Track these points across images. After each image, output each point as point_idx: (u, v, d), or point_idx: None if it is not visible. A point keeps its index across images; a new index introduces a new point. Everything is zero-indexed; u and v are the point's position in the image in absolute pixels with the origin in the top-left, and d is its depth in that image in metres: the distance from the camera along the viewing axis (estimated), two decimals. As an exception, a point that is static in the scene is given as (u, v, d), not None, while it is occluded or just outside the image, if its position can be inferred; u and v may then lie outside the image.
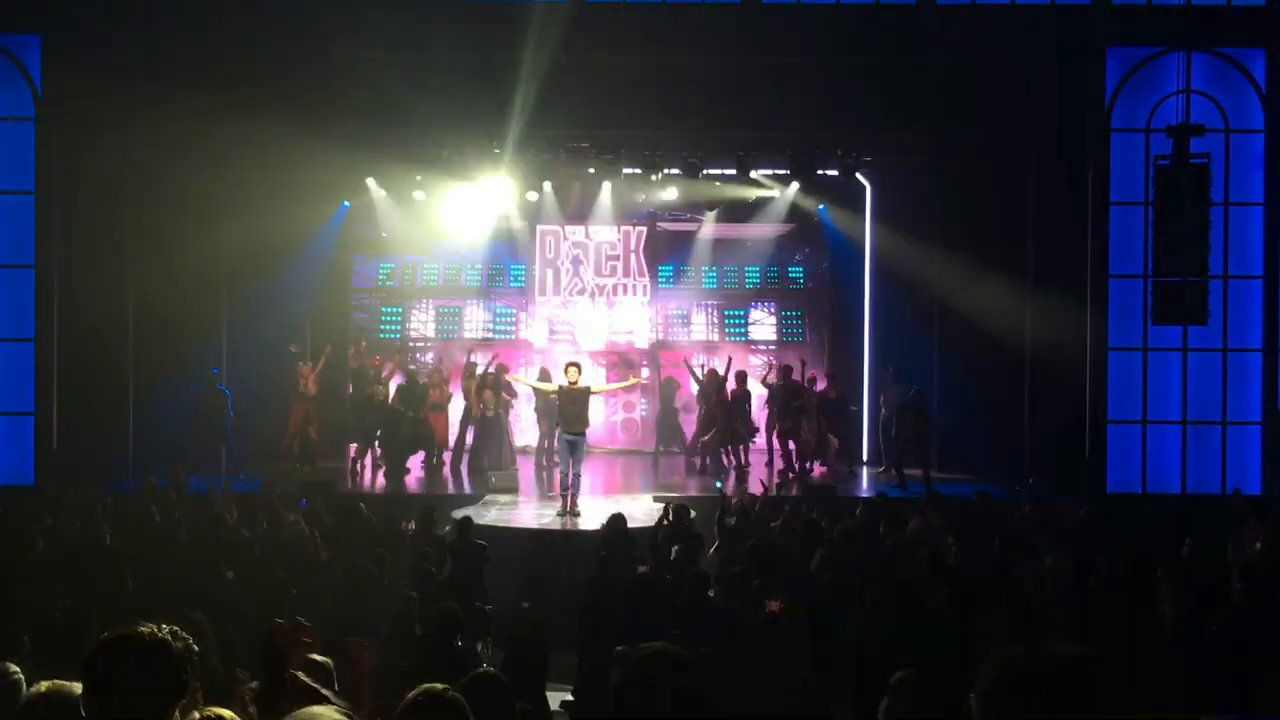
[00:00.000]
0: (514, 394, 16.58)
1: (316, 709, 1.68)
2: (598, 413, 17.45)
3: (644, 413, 18.84)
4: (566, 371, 12.98)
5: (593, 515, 12.16)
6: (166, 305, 15.42)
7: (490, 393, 16.00)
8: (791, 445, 15.86)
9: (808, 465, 16.02)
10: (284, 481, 13.14)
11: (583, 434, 12.77)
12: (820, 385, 16.32)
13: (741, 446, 16.07)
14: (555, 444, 14.30)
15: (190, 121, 13.81)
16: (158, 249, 15.04)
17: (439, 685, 2.97)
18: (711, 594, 8.17)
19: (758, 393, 16.46)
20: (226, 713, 2.66)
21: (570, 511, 12.50)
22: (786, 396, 15.78)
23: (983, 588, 7.60)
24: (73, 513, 11.11)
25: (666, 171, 16.37)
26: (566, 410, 12.72)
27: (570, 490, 12.59)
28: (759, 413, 16.59)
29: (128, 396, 15.20)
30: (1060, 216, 14.93)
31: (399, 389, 16.23)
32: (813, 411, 16.00)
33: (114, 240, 14.93)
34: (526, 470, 15.92)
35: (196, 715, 2.48)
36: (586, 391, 12.84)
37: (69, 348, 14.78)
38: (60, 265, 14.71)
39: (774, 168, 16.85)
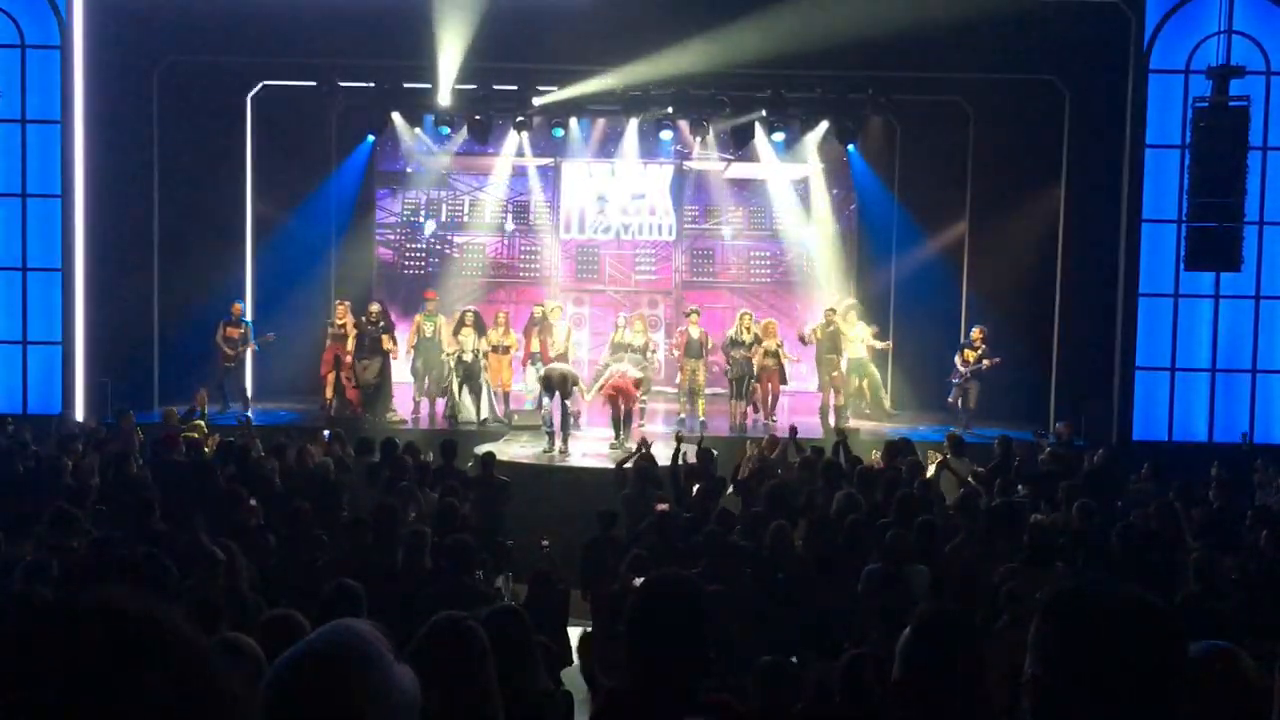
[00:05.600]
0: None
1: (351, 620, 1.67)
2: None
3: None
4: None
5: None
6: (192, 237, 15.51)
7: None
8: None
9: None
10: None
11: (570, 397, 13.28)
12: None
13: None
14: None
15: (216, 46, 13.77)
16: (184, 179, 15.09)
17: (457, 613, 2.98)
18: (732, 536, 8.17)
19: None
20: None
21: (560, 450, 13.08)
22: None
23: (1005, 531, 7.57)
24: (101, 441, 11.23)
25: (694, 109, 16.18)
26: (553, 378, 13.24)
27: (563, 430, 13.13)
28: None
29: (153, 327, 15.32)
30: (1094, 159, 14.71)
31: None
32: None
33: (140, 170, 14.97)
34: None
35: None
36: (572, 379, 13.38)
37: (95, 278, 14.86)
38: (86, 195, 14.74)
39: (803, 107, 16.59)
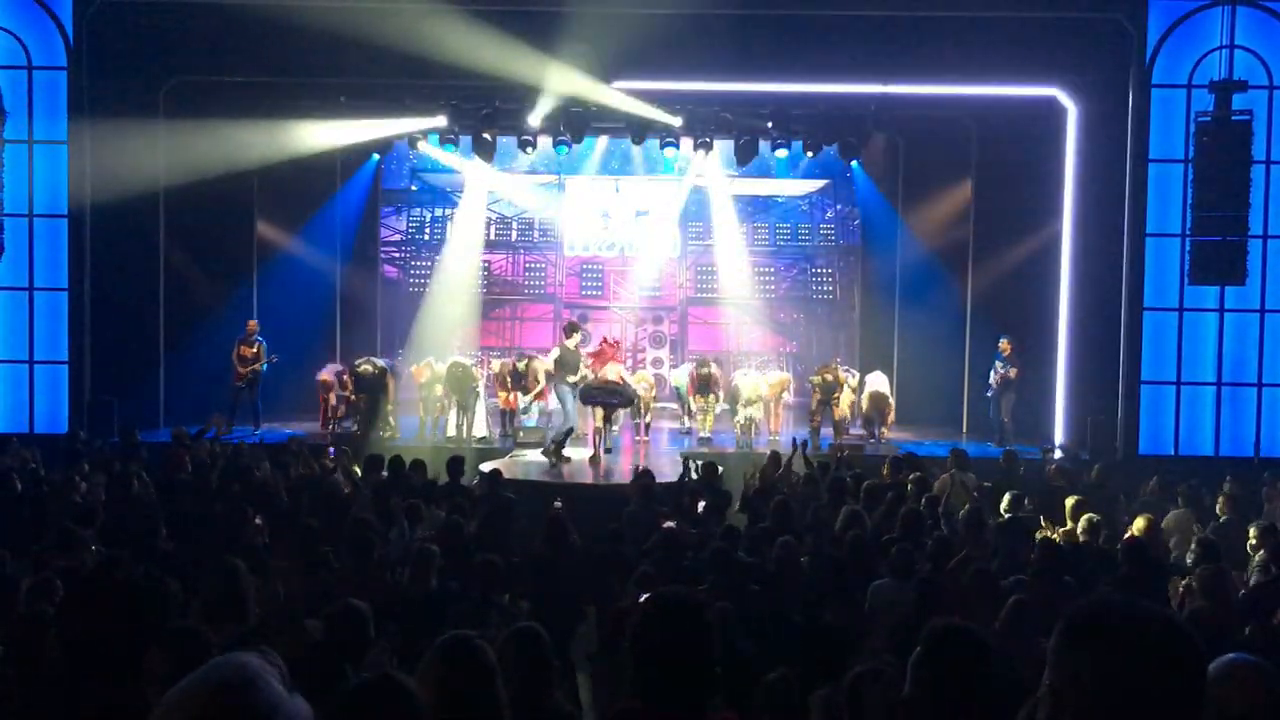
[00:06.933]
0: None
1: (241, 653, 1.70)
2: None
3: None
4: (569, 334, 13.55)
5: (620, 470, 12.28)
6: (198, 256, 15.55)
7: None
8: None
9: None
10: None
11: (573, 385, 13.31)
12: None
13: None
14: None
15: (222, 66, 13.83)
16: (190, 201, 15.12)
17: (465, 632, 2.98)
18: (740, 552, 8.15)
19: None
20: None
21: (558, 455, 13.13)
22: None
23: (1012, 546, 7.56)
24: (109, 460, 11.24)
25: (698, 125, 16.21)
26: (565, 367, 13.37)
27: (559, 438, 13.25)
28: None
29: (159, 347, 15.35)
30: (1097, 174, 14.73)
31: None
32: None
33: (146, 190, 15.01)
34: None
35: None
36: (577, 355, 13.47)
37: (102, 297, 14.90)
38: (92, 215, 14.78)
39: (807, 123, 16.60)
